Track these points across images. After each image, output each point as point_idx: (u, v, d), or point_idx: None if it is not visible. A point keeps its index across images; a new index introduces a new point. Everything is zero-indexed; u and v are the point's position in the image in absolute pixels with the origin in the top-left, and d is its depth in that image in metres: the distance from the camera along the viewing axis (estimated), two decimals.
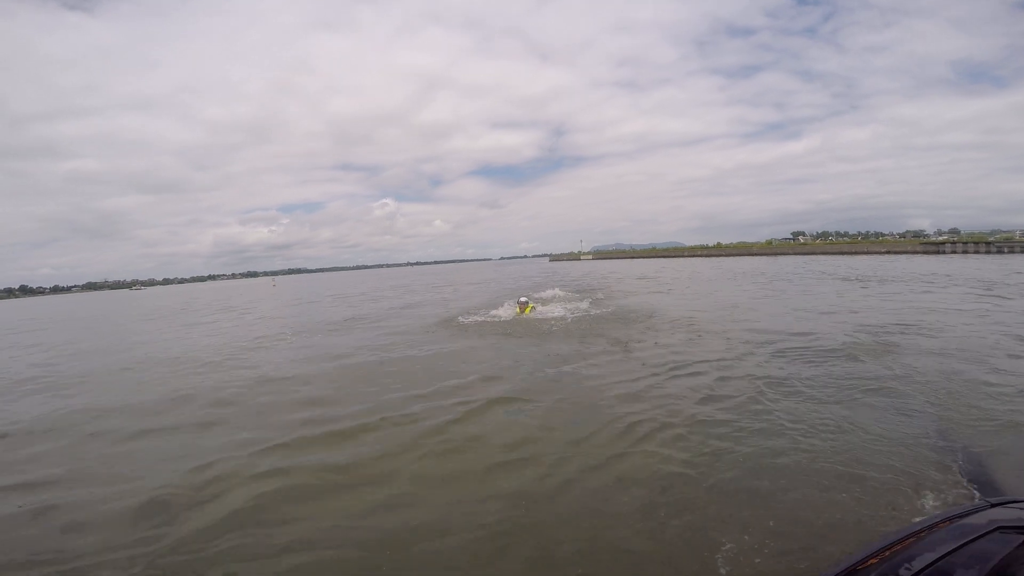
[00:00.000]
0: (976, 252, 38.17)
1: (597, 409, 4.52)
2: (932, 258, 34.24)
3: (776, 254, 54.87)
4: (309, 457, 3.85)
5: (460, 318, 12.26)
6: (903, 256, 37.98)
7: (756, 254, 57.53)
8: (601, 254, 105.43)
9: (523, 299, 13.30)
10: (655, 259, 66.97)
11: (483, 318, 12.09)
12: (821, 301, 11.52)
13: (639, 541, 2.53)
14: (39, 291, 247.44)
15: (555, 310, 12.61)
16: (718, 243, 76.97)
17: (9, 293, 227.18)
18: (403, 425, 4.43)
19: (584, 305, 13.46)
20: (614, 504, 2.90)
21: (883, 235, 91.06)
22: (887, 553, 0.88)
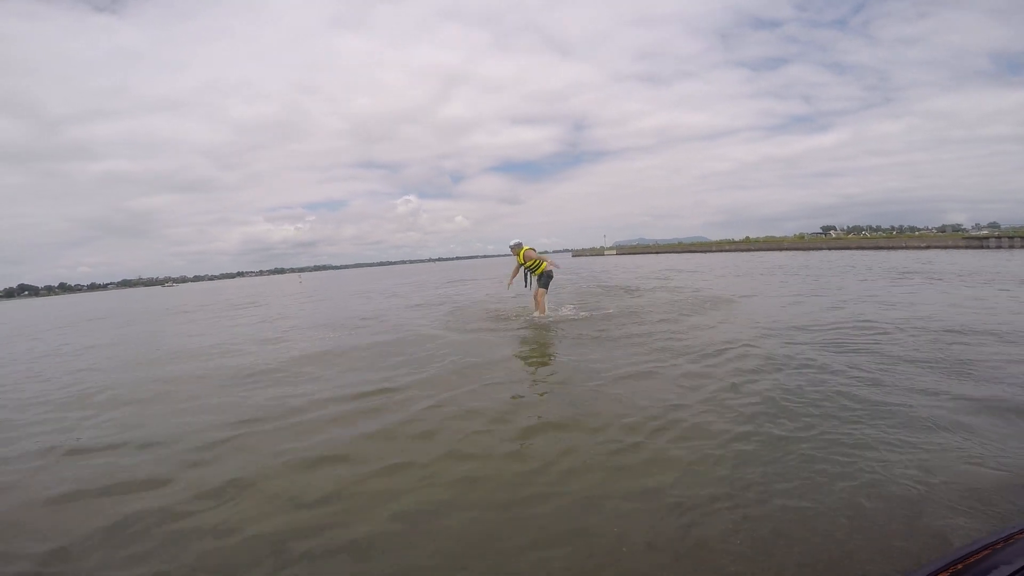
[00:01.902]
0: (1023, 247, 36.51)
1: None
2: (977, 253, 32.85)
3: (808, 248, 53.32)
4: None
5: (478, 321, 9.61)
6: (945, 251, 36.51)
7: (787, 248, 56.03)
8: (624, 249, 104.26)
9: (515, 242, 9.25)
10: (682, 254, 65.87)
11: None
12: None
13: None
14: (77, 288, 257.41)
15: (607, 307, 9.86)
16: (746, 237, 75.33)
17: (50, 291, 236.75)
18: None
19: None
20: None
21: (918, 229, 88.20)
22: (959, 566, 0.85)
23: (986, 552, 0.88)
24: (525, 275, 9.40)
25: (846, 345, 5.85)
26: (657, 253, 75.96)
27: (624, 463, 3.16)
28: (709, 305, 9.95)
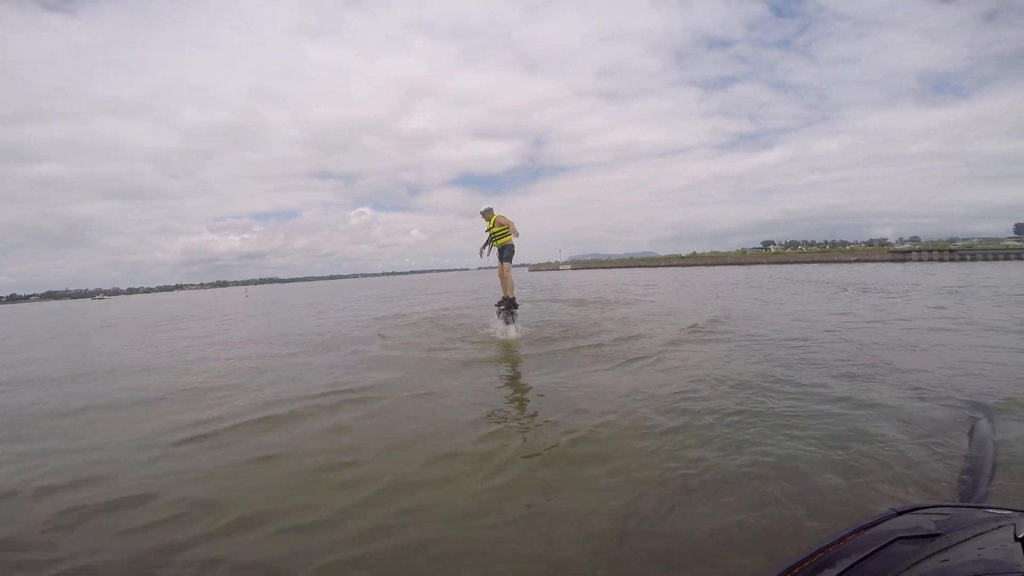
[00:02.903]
0: (940, 260, 39.73)
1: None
2: (899, 266, 35.42)
3: (750, 263, 55.90)
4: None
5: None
6: (871, 264, 39.17)
7: (731, 263, 58.62)
8: (579, 264, 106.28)
9: (486, 207, 8.71)
10: (633, 268, 67.71)
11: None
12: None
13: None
14: None
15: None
16: (693, 252, 78.14)
17: None
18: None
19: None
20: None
21: (849, 244, 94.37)
22: (796, 571, 0.87)
23: (820, 555, 0.91)
24: (487, 246, 8.72)
25: (774, 352, 6.06)
26: (611, 268, 77.65)
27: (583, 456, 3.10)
28: (663, 317, 10.13)
